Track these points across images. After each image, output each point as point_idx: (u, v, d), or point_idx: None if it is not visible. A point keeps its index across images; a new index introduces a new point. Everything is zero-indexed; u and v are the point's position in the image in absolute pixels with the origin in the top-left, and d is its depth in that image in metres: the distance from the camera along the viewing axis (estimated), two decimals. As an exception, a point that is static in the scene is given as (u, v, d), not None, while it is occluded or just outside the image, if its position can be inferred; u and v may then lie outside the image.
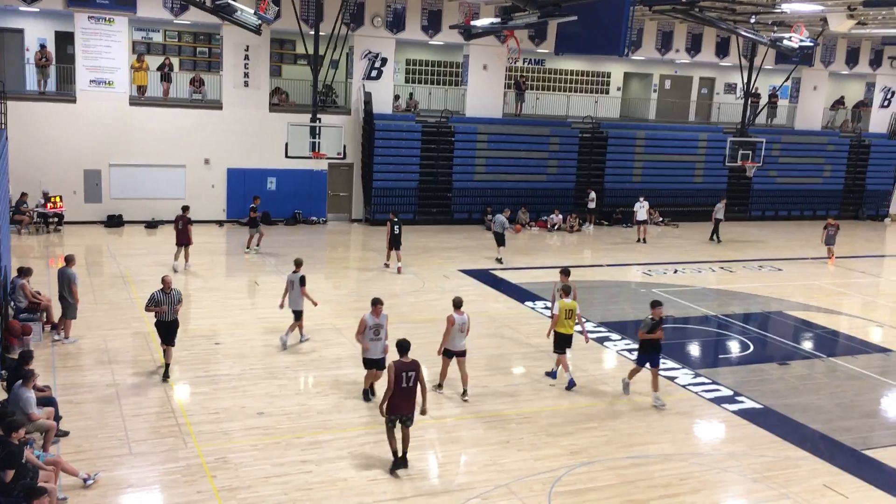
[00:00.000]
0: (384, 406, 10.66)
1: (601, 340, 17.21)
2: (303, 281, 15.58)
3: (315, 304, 15.98)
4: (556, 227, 31.02)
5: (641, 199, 29.60)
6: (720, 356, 17.25)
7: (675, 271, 24.75)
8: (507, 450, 11.81)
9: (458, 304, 13.61)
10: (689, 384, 14.85)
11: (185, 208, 22.18)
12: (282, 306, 15.88)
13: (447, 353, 13.60)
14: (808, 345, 18.17)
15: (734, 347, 17.70)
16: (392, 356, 11.27)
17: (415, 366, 10.64)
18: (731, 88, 40.26)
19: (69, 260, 15.76)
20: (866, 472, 11.61)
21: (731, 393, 14.49)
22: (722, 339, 18.38)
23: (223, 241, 25.08)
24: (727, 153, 30.06)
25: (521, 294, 20.70)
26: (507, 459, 11.50)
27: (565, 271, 15.42)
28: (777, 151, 35.26)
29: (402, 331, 17.15)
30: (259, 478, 10.59)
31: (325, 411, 12.84)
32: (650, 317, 13.63)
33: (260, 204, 24.55)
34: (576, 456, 11.73)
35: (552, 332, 14.54)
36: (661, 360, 14.03)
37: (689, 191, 34.58)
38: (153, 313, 13.89)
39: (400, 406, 10.62)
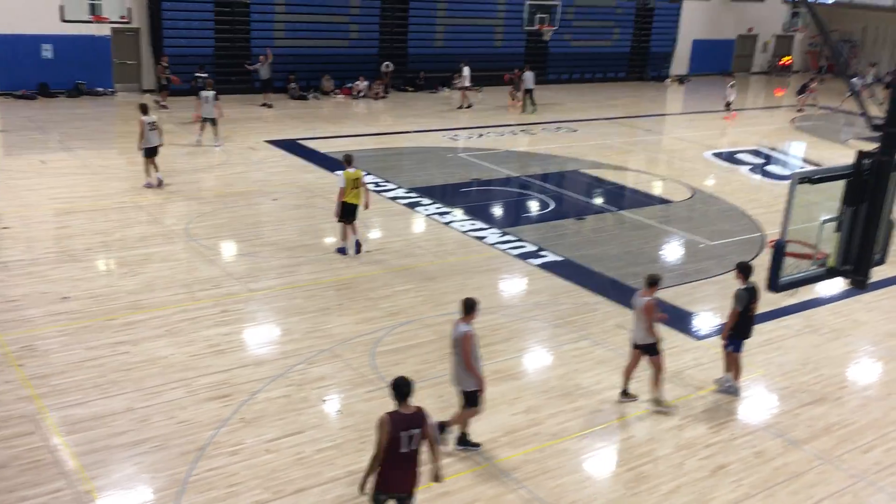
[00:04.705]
0: (367, 480, 6.86)
1: (412, 206, 17.60)
2: (216, 97, 20.95)
3: (222, 115, 21.48)
4: (361, 95, 30.64)
5: (462, 64, 29.64)
6: (523, 215, 18.24)
7: (480, 135, 25.45)
8: (328, 316, 12.06)
9: (653, 281, 9.92)
10: (497, 242, 15.66)
11: None
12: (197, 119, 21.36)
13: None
14: (600, 200, 19.58)
15: (535, 206, 18.74)
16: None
17: (419, 419, 6.77)
18: (527, -50, 40.44)
19: None
20: (651, 311, 12.95)
21: (534, 248, 15.46)
22: (524, 198, 19.38)
23: (-3, 117, 22.70)
24: (525, 17, 30.62)
25: (329, 163, 20.54)
26: (329, 325, 11.76)
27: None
28: (571, 15, 36.28)
29: (211, 206, 16.78)
30: (72, 363, 10.20)
31: (136, 291, 12.41)
32: (741, 286, 10.05)
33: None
34: (395, 317, 12.20)
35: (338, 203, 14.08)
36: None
37: (489, 55, 35.05)
38: None
39: (394, 481, 6.85)
